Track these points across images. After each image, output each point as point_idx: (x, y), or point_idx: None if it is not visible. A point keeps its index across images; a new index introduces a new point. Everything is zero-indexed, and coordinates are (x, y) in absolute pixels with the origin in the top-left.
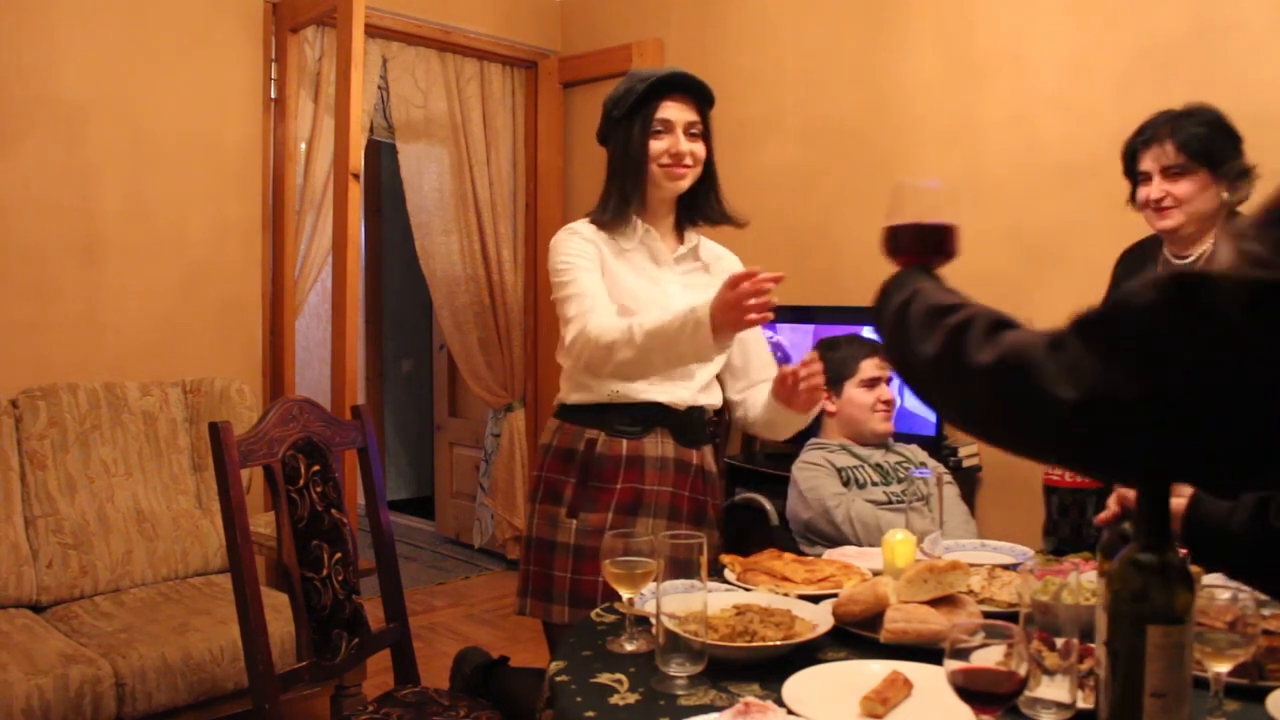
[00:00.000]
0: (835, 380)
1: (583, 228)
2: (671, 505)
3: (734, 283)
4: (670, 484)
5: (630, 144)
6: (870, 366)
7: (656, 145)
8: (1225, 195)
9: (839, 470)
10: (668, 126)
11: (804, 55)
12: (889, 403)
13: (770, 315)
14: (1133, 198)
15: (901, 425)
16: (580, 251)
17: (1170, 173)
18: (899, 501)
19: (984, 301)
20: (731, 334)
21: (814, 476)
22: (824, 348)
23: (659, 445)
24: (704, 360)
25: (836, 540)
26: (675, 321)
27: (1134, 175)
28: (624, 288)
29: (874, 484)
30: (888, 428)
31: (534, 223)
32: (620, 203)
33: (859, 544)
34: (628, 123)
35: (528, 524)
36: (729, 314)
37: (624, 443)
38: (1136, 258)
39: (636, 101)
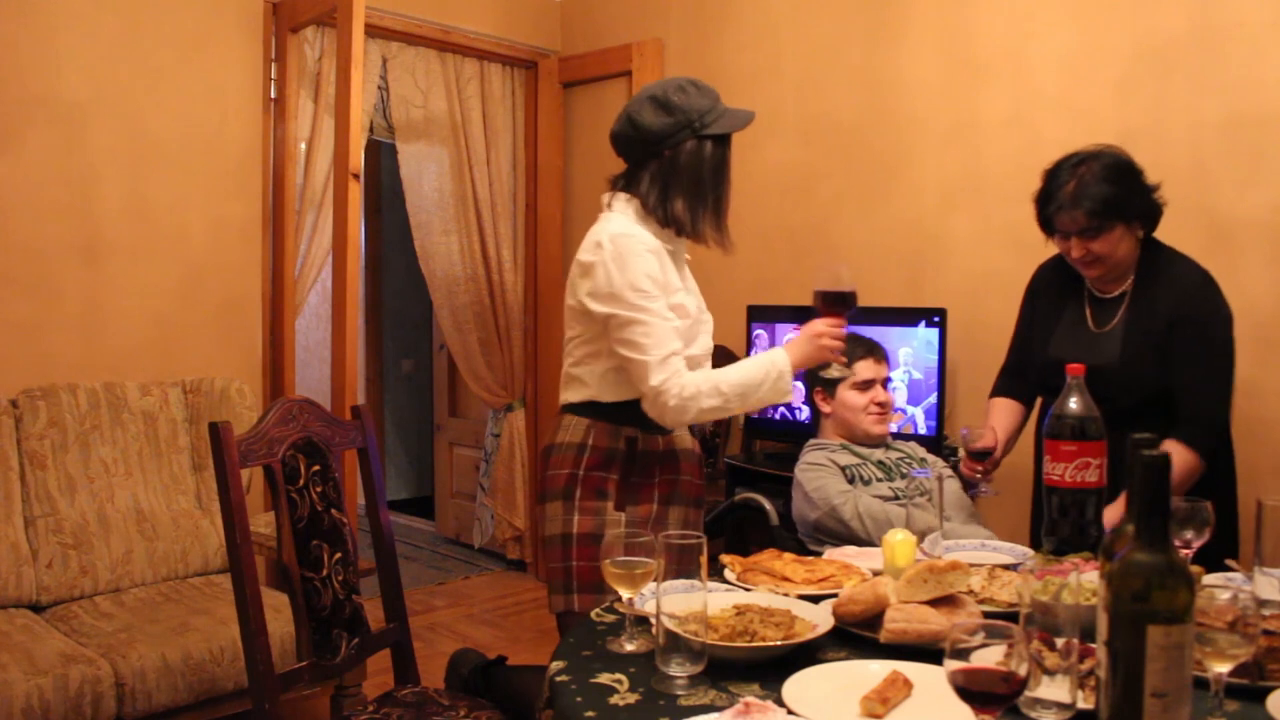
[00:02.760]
0: (830, 382)
1: (648, 238)
2: (691, 493)
3: (818, 334)
4: (692, 474)
5: (725, 165)
6: (864, 368)
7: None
8: (1140, 234)
9: (843, 469)
10: None
11: (804, 55)
12: (883, 405)
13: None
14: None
15: (901, 424)
16: (654, 275)
17: (1086, 234)
18: (904, 497)
19: (985, 301)
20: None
21: (819, 476)
22: None
23: (684, 438)
24: (780, 403)
25: (846, 538)
26: (758, 373)
27: (1050, 230)
28: (674, 293)
29: (878, 480)
30: (882, 430)
31: (534, 223)
32: (717, 214)
33: (869, 539)
34: (721, 144)
35: (559, 523)
36: (808, 363)
37: (659, 439)
38: (1055, 281)
39: (734, 130)
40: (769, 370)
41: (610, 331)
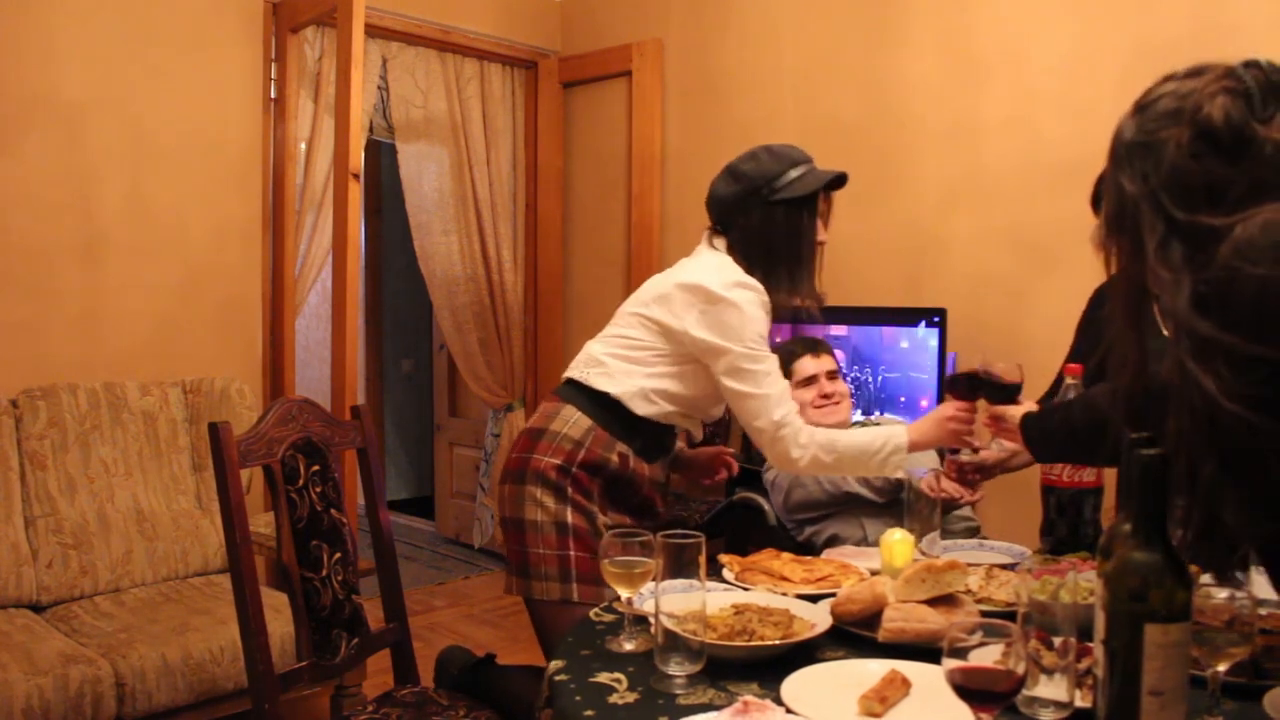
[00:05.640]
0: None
1: (763, 297)
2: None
3: (947, 417)
4: (663, 504)
5: (798, 230)
6: (803, 367)
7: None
8: None
9: None
10: (822, 217)
11: (804, 55)
12: (828, 396)
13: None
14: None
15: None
16: (766, 330)
17: None
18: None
19: (985, 301)
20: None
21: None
22: None
23: (663, 470)
24: (891, 477)
25: (820, 502)
26: (875, 443)
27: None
28: None
29: None
30: (836, 418)
31: (534, 223)
32: (793, 282)
33: (834, 485)
34: (798, 210)
35: (549, 510)
36: (931, 444)
37: (645, 466)
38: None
39: (811, 192)
40: (885, 442)
41: (718, 365)
